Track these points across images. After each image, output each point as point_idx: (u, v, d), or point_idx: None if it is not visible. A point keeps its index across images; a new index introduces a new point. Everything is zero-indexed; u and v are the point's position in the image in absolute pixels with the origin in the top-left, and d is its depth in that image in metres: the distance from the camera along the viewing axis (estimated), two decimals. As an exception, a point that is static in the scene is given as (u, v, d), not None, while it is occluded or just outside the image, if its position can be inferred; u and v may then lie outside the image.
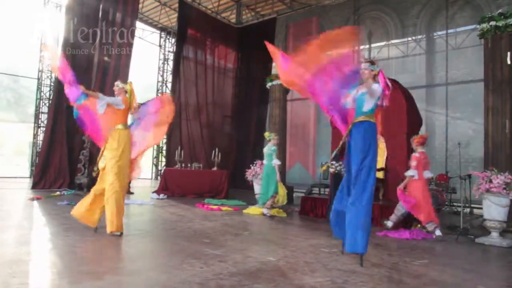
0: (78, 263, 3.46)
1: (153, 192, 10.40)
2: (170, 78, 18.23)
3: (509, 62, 6.37)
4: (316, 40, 3.94)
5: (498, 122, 6.39)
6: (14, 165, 15.53)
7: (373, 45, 14.45)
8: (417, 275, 3.60)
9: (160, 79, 19.07)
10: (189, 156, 13.55)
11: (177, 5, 15.83)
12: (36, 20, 14.76)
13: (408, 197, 5.94)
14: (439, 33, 12.99)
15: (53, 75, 14.22)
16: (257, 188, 8.56)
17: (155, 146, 18.90)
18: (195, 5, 15.96)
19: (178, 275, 3.21)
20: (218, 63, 16.52)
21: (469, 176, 7.31)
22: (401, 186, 6.07)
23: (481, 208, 6.10)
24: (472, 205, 9.29)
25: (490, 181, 5.53)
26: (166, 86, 18.85)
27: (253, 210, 7.93)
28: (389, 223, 6.08)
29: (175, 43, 17.62)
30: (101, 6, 11.58)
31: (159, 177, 16.79)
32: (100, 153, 5.02)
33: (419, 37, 13.46)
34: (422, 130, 8.92)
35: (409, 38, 13.66)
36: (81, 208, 4.93)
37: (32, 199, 7.95)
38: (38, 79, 14.67)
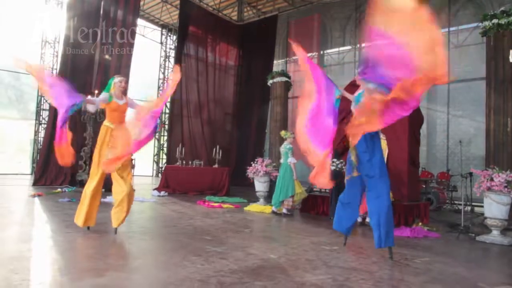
0: (79, 260, 3.46)
1: (154, 190, 10.41)
2: (171, 76, 18.21)
3: (511, 60, 6.35)
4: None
5: (500, 120, 6.38)
6: (16, 162, 15.53)
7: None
8: (418, 273, 3.60)
9: (161, 76, 19.07)
10: (190, 153, 13.58)
11: (178, 2, 15.83)
12: (38, 17, 14.75)
13: None
14: (441, 30, 12.95)
15: (54, 72, 14.23)
16: (258, 186, 8.56)
17: (156, 143, 18.92)
18: (196, 2, 15.95)
19: (179, 272, 3.21)
20: (219, 60, 16.52)
21: (470, 174, 7.31)
22: None
23: (482, 206, 6.10)
24: (473, 203, 9.29)
25: (492, 179, 5.52)
26: (167, 84, 18.82)
27: (254, 207, 7.94)
28: None
29: (176, 40, 17.62)
30: (102, 3, 11.57)
31: (160, 175, 16.82)
32: (99, 149, 5.05)
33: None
34: (424, 128, 8.93)
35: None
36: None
37: (34, 196, 7.96)
38: (40, 76, 14.66)
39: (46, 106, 14.21)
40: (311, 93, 4.24)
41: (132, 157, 10.94)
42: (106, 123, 4.99)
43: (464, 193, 7.25)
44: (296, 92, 13.50)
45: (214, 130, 15.62)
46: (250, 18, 17.53)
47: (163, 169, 14.39)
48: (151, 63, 18.98)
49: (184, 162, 11.50)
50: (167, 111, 18.24)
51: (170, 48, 19.10)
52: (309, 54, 14.55)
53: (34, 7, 14.82)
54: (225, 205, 8.19)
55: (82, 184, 9.62)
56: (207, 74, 15.81)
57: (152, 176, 18.69)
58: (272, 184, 8.46)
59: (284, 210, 7.34)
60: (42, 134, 13.68)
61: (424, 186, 9.58)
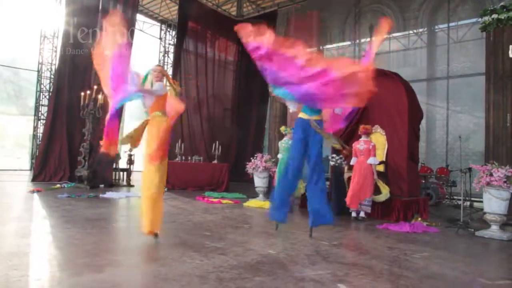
0: (78, 256, 3.46)
1: (154, 185, 10.37)
2: (170, 71, 18.17)
3: (511, 55, 6.33)
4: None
5: (499, 115, 6.38)
6: (15, 157, 15.51)
7: (374, 38, 14.37)
8: (418, 268, 3.60)
9: (160, 71, 19.00)
10: (189, 149, 13.54)
11: (177, -3, 15.75)
12: (36, 12, 14.68)
13: None
14: (441, 26, 12.94)
15: (53, 67, 14.18)
16: (257, 181, 8.56)
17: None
18: (195, -3, 15.88)
19: (178, 268, 3.21)
20: (218, 56, 16.46)
21: (470, 169, 7.31)
22: None
23: (481, 202, 6.11)
24: (472, 199, 9.30)
25: (491, 175, 5.52)
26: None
27: (253, 203, 7.94)
28: None
29: (175, 36, 17.55)
30: (101, -1, 11.54)
31: (159, 170, 16.76)
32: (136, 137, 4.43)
33: (421, 30, 13.40)
34: (423, 124, 8.92)
35: (411, 32, 13.60)
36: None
37: (32, 192, 7.95)
38: (38, 71, 14.62)
39: (45, 101, 14.17)
40: None
41: (132, 153, 10.94)
42: (161, 114, 4.46)
43: (463, 188, 7.25)
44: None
45: (213, 126, 15.59)
46: (250, 13, 17.46)
47: (162, 165, 14.36)
48: (150, 59, 18.92)
49: (183, 158, 11.48)
50: (166, 106, 18.20)
51: (169, 44, 19.02)
52: (309, 50, 14.48)
53: (32, 1, 14.76)
54: (224, 201, 8.19)
55: (81, 180, 9.61)
56: (206, 70, 15.76)
57: (152, 172, 18.66)
58: (271, 179, 8.46)
59: None
60: (41, 129, 13.63)
61: (423, 181, 9.59)
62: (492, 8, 6.57)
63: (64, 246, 3.86)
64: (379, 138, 7.76)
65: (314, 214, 4.84)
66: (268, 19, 16.08)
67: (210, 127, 15.48)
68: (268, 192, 8.27)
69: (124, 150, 11.65)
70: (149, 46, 18.66)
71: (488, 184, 5.54)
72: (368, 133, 6.75)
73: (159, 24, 18.88)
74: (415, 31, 13.48)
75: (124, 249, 4.05)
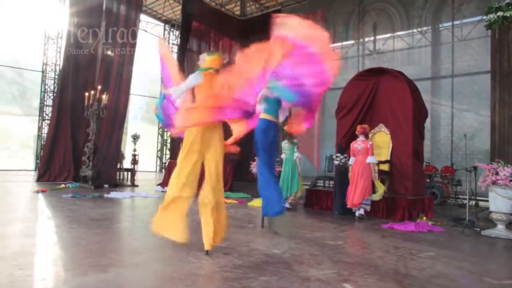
0: (83, 256, 3.46)
1: (158, 185, 10.41)
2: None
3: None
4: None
5: (505, 114, 6.33)
6: (19, 158, 15.57)
7: (378, 37, 14.34)
8: (423, 268, 3.58)
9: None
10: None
11: (181, -3, 15.77)
12: (40, 13, 14.73)
13: None
14: (445, 24, 12.86)
15: (57, 68, 14.24)
16: (261, 181, 8.53)
17: (159, 139, 18.93)
18: (199, -3, 15.89)
19: (184, 267, 3.20)
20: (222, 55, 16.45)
21: (475, 168, 7.27)
22: None
23: (486, 201, 6.07)
24: (478, 198, 9.24)
25: (497, 173, 5.49)
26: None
27: (258, 202, 7.91)
28: None
29: (179, 36, 17.56)
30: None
31: (163, 170, 16.82)
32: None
33: (425, 28, 13.34)
34: (428, 122, 8.87)
35: (415, 30, 13.54)
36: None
37: (37, 192, 7.98)
38: (43, 72, 14.70)
39: (49, 102, 14.24)
40: None
41: (136, 153, 10.95)
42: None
43: (469, 187, 7.21)
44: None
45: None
46: (253, 12, 17.46)
47: (166, 164, 14.38)
48: (154, 59, 18.92)
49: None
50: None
51: (173, 44, 19.05)
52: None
53: (36, 2, 14.81)
54: (228, 200, 8.17)
55: (85, 180, 9.63)
56: (210, 69, 15.76)
57: (156, 171, 18.71)
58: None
59: (287, 205, 7.33)
60: (45, 130, 13.70)
61: (428, 180, 9.54)
62: (497, 5, 6.52)
63: (69, 246, 3.86)
64: (383, 137, 7.74)
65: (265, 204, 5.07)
66: (271, 18, 16.08)
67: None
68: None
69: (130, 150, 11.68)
70: (153, 46, 18.67)
71: (494, 183, 5.50)
72: (365, 133, 6.74)
73: (162, 24, 18.91)
74: (419, 29, 13.41)
75: (129, 249, 4.05)
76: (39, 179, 10.49)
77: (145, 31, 18.04)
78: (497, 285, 3.25)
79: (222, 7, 17.05)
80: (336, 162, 7.30)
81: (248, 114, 3.73)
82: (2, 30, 14.31)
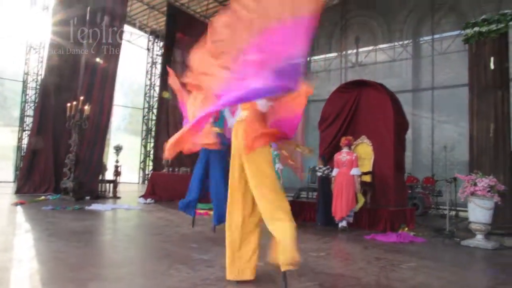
0: (62, 270, 3.40)
1: (140, 197, 10.30)
2: (158, 82, 18.14)
3: (492, 67, 6.45)
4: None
5: (482, 125, 6.46)
6: (-2, 169, 15.24)
7: (360, 49, 14.58)
8: (405, 279, 3.61)
9: (148, 82, 18.97)
10: (176, 160, 13.45)
11: (165, 8, 15.80)
12: (23, 23, 14.57)
13: None
14: (425, 38, 13.18)
15: (39, 78, 14.07)
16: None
17: (142, 150, 18.78)
18: (183, 8, 15.95)
19: (165, 281, 3.17)
20: (206, 66, 16.49)
21: (455, 179, 7.40)
22: None
23: (466, 211, 6.17)
24: (458, 208, 9.39)
25: (475, 184, 5.59)
26: (154, 90, 18.74)
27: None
28: None
29: (163, 47, 17.57)
30: (88, 9, 11.48)
31: (146, 182, 16.66)
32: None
33: (406, 42, 13.62)
34: (409, 134, 9.02)
35: (396, 43, 13.81)
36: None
37: (16, 204, 7.81)
38: (24, 82, 14.49)
39: (30, 112, 14.02)
40: None
41: (118, 164, 10.82)
42: None
43: (449, 198, 7.33)
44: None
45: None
46: (237, 24, 17.57)
47: (149, 176, 14.26)
48: (138, 70, 18.88)
49: (170, 170, 11.41)
50: (154, 117, 18.14)
51: (157, 55, 19.02)
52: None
53: (19, 11, 14.64)
54: (211, 212, 8.12)
55: (66, 191, 9.47)
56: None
57: (138, 183, 18.50)
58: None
59: None
60: (25, 141, 13.46)
61: (410, 191, 9.66)
62: (474, 21, 6.71)
63: (48, 260, 3.79)
64: (365, 149, 7.83)
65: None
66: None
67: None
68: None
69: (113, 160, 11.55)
70: (137, 57, 18.65)
71: (472, 193, 5.60)
72: (350, 145, 6.80)
73: (147, 35, 18.87)
74: (400, 42, 13.70)
75: (110, 262, 3.99)
76: (18, 191, 10.26)
77: (129, 42, 17.98)
78: (476, 295, 3.30)
79: (207, 18, 17.13)
80: (318, 174, 7.35)
81: None
82: (-17, 39, 14.09)
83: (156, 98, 17.87)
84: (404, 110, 8.16)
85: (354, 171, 6.54)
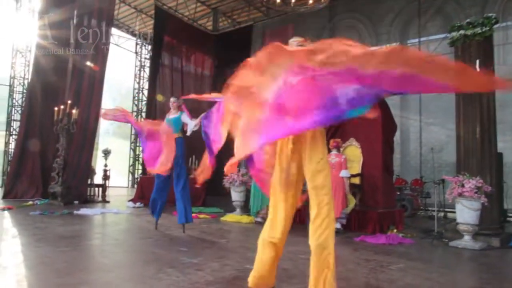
0: (50, 276, 3.36)
1: (129, 201, 10.23)
2: (146, 85, 18.05)
3: (478, 70, 6.54)
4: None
5: (469, 128, 6.54)
6: (-16, 174, 15.02)
7: (348, 52, 14.64)
8: (394, 280, 3.64)
9: (137, 86, 18.88)
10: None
11: (153, 12, 15.74)
12: (9, 26, 14.42)
13: None
14: (412, 40, 13.30)
15: (25, 82, 13.93)
16: (234, 195, 8.52)
17: (131, 154, 18.66)
18: (171, 12, 15.91)
19: (154, 285, 3.16)
20: (194, 70, 16.49)
21: (443, 180, 7.47)
22: None
23: (454, 212, 6.24)
24: (446, 209, 9.49)
25: (463, 186, 5.66)
26: (143, 93, 18.65)
27: (230, 217, 7.90)
28: None
29: (151, 50, 17.50)
30: (75, 12, 11.39)
31: (135, 185, 16.54)
32: None
33: (393, 44, 13.73)
34: (397, 136, 9.09)
35: (383, 46, 13.92)
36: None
37: (3, 209, 7.70)
38: (10, 86, 14.32)
39: (17, 116, 13.85)
40: None
41: (107, 168, 10.74)
42: None
43: (437, 200, 7.40)
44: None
45: (189, 140, 15.51)
46: (226, 28, 17.59)
47: (138, 180, 14.17)
48: (126, 73, 18.79)
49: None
50: (142, 120, 18.03)
51: (145, 58, 18.94)
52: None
53: (4, 14, 14.48)
54: (201, 216, 8.12)
55: (54, 196, 9.37)
56: (182, 84, 15.71)
57: (128, 187, 18.37)
58: (248, 193, 8.44)
59: (259, 219, 7.34)
60: (12, 145, 13.29)
61: (398, 193, 9.74)
62: (459, 24, 6.79)
63: (35, 265, 3.74)
64: (354, 151, 7.88)
65: (180, 213, 5.89)
66: (243, 33, 16.25)
67: (186, 141, 15.39)
68: (245, 206, 8.26)
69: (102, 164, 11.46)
70: (125, 60, 18.57)
71: (460, 195, 5.67)
72: (338, 147, 6.85)
73: (134, 38, 18.78)
74: (387, 45, 13.80)
75: (98, 267, 3.95)
76: (5, 196, 10.12)
77: (117, 45, 17.89)
78: (464, 295, 3.34)
79: (195, 22, 17.12)
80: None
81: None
82: (-32, 43, 13.92)
83: (145, 102, 17.77)
84: (392, 112, 8.22)
85: (343, 173, 6.57)
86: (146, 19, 17.40)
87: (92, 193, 10.78)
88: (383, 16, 13.77)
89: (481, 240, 5.83)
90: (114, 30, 15.44)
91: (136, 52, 18.96)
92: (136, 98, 18.76)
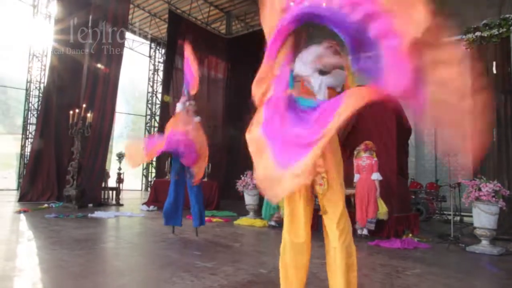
0: (65, 278, 3.38)
1: (143, 204, 10.29)
2: (160, 89, 18.19)
3: (495, 71, 6.45)
4: None
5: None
6: (1, 177, 15.28)
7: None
8: (409, 285, 3.58)
9: (150, 89, 19.03)
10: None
11: (167, 16, 15.88)
12: (25, 30, 14.67)
13: None
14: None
15: (41, 86, 14.15)
16: (248, 199, 8.51)
17: (145, 157, 18.76)
18: (185, 16, 16.03)
19: (168, 289, 3.15)
20: (208, 73, 16.55)
21: (459, 184, 7.36)
22: None
23: (471, 216, 6.13)
24: (462, 213, 9.34)
25: (479, 189, 5.56)
26: (156, 97, 18.79)
27: (244, 221, 7.89)
28: None
29: (164, 54, 17.64)
30: (90, 17, 11.53)
31: (149, 189, 16.66)
32: None
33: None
34: (412, 139, 8.98)
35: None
36: None
37: (19, 212, 7.81)
38: (27, 90, 14.55)
39: (33, 120, 14.06)
40: None
41: (121, 171, 10.82)
42: None
43: (453, 203, 7.29)
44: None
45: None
46: (239, 31, 17.64)
47: (152, 183, 14.26)
48: (140, 77, 18.96)
49: (173, 176, 11.38)
50: (156, 124, 18.16)
51: (159, 62, 19.10)
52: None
53: (21, 20, 14.74)
54: (214, 219, 8.12)
55: (69, 199, 9.47)
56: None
57: (141, 190, 18.51)
58: (261, 197, 8.41)
59: (272, 223, 7.32)
60: (28, 148, 13.50)
61: (413, 196, 9.62)
62: (475, 26, 6.71)
63: (51, 268, 3.78)
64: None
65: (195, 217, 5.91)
66: (256, 37, 16.27)
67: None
68: (259, 210, 8.24)
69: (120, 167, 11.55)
70: (139, 64, 18.74)
71: (477, 199, 5.57)
72: (370, 149, 6.70)
73: (148, 42, 18.95)
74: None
75: (113, 270, 3.97)
76: (22, 198, 10.28)
77: (131, 49, 18.07)
78: (482, 302, 3.27)
79: (208, 25, 17.21)
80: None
81: None
82: (-14, 48, 14.19)
83: (159, 105, 17.91)
84: (406, 115, 8.13)
85: (375, 176, 6.45)
86: (160, 23, 17.56)
87: (106, 196, 10.87)
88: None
89: (499, 245, 5.72)
90: (128, 34, 15.59)
91: (150, 56, 19.13)
92: (150, 101, 18.92)
